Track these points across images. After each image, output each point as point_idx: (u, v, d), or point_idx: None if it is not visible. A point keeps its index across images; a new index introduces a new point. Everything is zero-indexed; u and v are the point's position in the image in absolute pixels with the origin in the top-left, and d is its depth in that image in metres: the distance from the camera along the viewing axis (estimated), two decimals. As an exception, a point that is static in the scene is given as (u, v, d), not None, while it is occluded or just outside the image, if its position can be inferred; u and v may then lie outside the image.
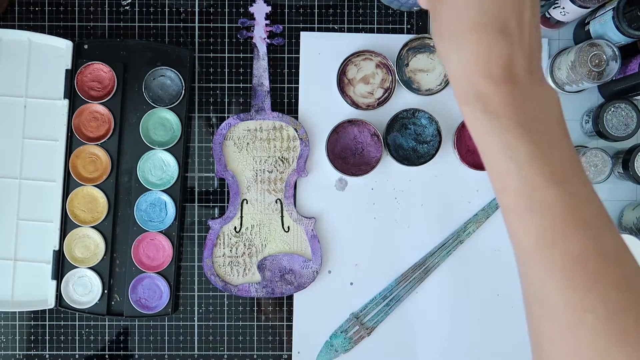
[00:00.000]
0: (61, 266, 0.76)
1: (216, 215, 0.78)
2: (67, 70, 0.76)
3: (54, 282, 0.76)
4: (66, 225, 0.76)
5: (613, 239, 0.41)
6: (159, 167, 0.77)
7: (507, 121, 0.40)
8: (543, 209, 0.40)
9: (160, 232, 0.76)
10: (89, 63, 0.76)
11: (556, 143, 0.41)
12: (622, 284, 0.39)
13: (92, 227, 0.76)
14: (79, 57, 0.76)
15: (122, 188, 0.77)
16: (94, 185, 0.76)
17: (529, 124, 0.41)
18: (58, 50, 0.76)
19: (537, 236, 0.41)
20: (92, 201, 0.77)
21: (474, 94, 0.41)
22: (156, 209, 0.77)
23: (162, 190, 0.76)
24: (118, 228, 0.77)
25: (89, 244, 0.77)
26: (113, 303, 0.77)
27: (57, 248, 0.76)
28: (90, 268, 0.76)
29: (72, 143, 0.76)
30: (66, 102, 0.76)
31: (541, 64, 0.43)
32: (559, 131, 0.42)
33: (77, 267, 0.76)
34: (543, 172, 0.40)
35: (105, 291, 0.76)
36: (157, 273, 0.76)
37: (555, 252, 0.40)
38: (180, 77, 0.76)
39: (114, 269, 0.77)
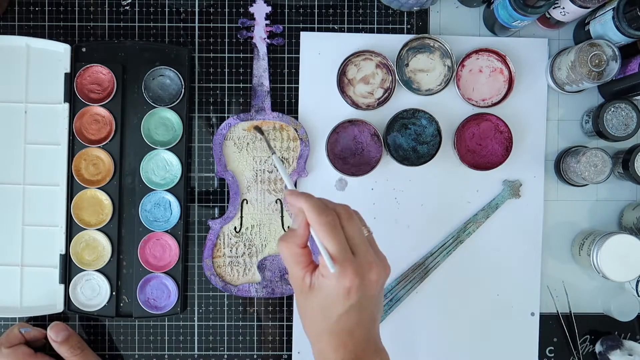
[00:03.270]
0: (68, 270, 0.76)
1: (216, 215, 0.78)
2: (66, 73, 0.76)
3: (62, 286, 0.76)
4: (72, 228, 0.77)
5: None
6: (162, 166, 0.77)
7: None
8: None
9: (166, 231, 0.77)
10: (88, 66, 0.76)
11: None
12: None
13: (98, 229, 0.76)
14: (78, 60, 0.76)
15: (126, 189, 0.77)
16: (97, 188, 0.76)
17: None
18: (56, 54, 0.76)
19: None
20: (97, 204, 0.77)
21: None
22: (161, 208, 0.77)
23: (166, 190, 0.76)
24: (123, 229, 0.77)
25: (95, 247, 0.77)
26: (122, 305, 0.77)
27: (63, 252, 0.76)
28: (98, 270, 0.76)
29: (74, 146, 0.76)
30: (66, 105, 0.76)
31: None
32: None
33: (84, 270, 0.76)
34: None
35: (114, 293, 0.77)
36: (165, 273, 0.77)
37: None
38: (180, 76, 0.76)
39: (121, 271, 0.77)
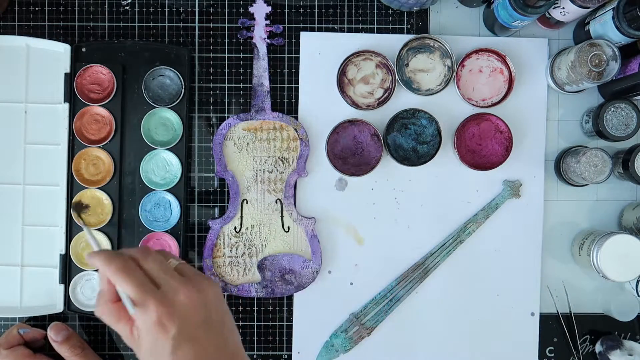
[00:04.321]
0: (68, 270, 0.76)
1: (216, 216, 0.78)
2: (66, 74, 0.76)
3: (62, 286, 0.76)
4: (72, 228, 0.76)
5: None
6: (162, 166, 0.77)
7: None
8: None
9: (166, 231, 0.77)
10: (88, 66, 0.76)
11: None
12: None
13: (98, 229, 0.76)
14: (78, 60, 0.76)
15: (126, 189, 0.77)
16: (97, 188, 0.76)
17: None
18: (56, 54, 0.76)
19: None
20: (97, 204, 0.77)
21: None
22: (161, 208, 0.77)
23: (166, 190, 0.76)
24: (124, 229, 0.77)
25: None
26: (123, 305, 0.77)
27: (63, 252, 0.76)
28: (98, 271, 0.76)
29: (74, 146, 0.76)
30: (66, 105, 0.76)
31: None
32: None
33: (84, 270, 0.76)
34: None
35: (114, 293, 0.77)
36: None
37: None
38: (180, 75, 0.76)
39: (120, 271, 0.77)
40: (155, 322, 0.49)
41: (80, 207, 0.66)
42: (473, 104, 0.77)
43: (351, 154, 0.77)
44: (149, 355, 0.50)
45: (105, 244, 0.76)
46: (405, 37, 0.77)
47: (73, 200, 0.71)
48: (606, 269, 0.71)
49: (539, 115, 0.78)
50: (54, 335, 0.74)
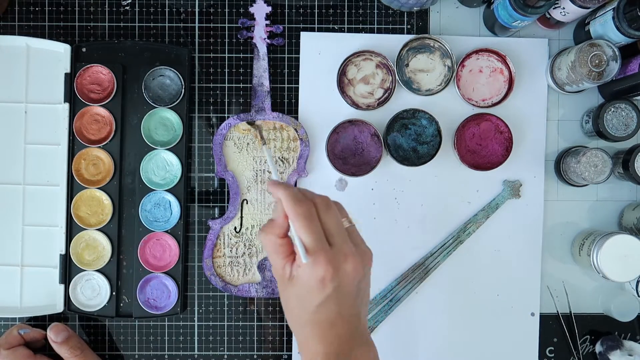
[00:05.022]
0: (68, 270, 0.76)
1: (216, 216, 0.78)
2: (66, 74, 0.76)
3: (62, 286, 0.76)
4: (72, 228, 0.76)
5: None
6: (162, 167, 0.77)
7: None
8: None
9: (166, 231, 0.77)
10: (88, 66, 0.76)
11: None
12: None
13: (98, 229, 0.76)
14: (78, 60, 0.76)
15: (126, 189, 0.77)
16: (97, 188, 0.76)
17: None
18: (56, 54, 0.76)
19: None
20: (97, 204, 0.77)
21: None
22: (161, 208, 0.77)
23: (166, 190, 0.76)
24: (123, 229, 0.77)
25: (95, 247, 0.77)
26: (122, 305, 0.77)
27: (63, 252, 0.76)
28: (98, 270, 0.76)
29: (74, 146, 0.76)
30: (66, 105, 0.76)
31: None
32: None
33: (84, 270, 0.76)
34: None
35: (114, 293, 0.77)
36: (165, 273, 0.77)
37: None
38: (180, 76, 0.76)
39: (121, 271, 0.77)
40: (319, 278, 0.52)
41: (254, 124, 0.67)
42: (473, 104, 0.77)
43: (351, 154, 0.77)
44: (295, 296, 0.54)
45: (105, 244, 0.76)
46: (405, 37, 0.77)
47: (247, 121, 0.71)
48: (606, 269, 0.71)
49: (539, 116, 0.78)
50: (53, 336, 0.74)
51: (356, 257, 0.54)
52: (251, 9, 0.77)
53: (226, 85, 0.78)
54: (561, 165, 0.77)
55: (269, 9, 0.77)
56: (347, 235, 0.55)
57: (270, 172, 0.72)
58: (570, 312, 0.79)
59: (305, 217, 0.53)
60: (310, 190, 0.56)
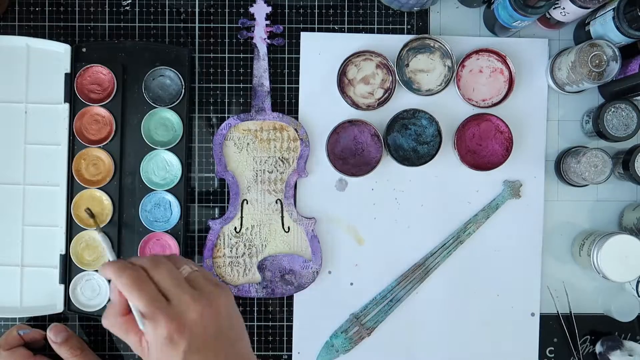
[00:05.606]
0: (68, 270, 0.76)
1: (216, 216, 0.78)
2: (66, 74, 0.76)
3: (62, 286, 0.76)
4: (72, 228, 0.76)
5: None
6: (162, 167, 0.77)
7: None
8: None
9: (166, 232, 0.76)
10: (88, 66, 0.76)
11: None
12: None
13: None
14: (78, 61, 0.76)
15: (126, 190, 0.77)
16: (97, 188, 0.76)
17: None
18: (56, 54, 0.76)
19: None
20: (97, 204, 0.77)
21: None
22: (161, 209, 0.77)
23: (166, 190, 0.76)
24: (124, 230, 0.77)
25: (95, 247, 0.77)
26: (122, 305, 0.77)
27: (63, 252, 0.76)
28: (98, 271, 0.76)
29: (74, 147, 0.76)
30: (67, 105, 0.76)
31: None
32: None
33: (84, 270, 0.76)
34: None
35: (114, 293, 0.77)
36: None
37: None
38: (180, 76, 0.76)
39: (121, 271, 0.77)
40: (165, 337, 0.50)
41: (92, 214, 0.67)
42: (473, 104, 0.77)
43: (351, 154, 0.77)
44: None
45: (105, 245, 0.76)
46: (405, 38, 0.77)
47: (86, 208, 0.71)
48: (606, 270, 0.71)
49: (539, 116, 0.78)
50: (53, 336, 0.74)
51: (199, 301, 0.51)
52: (251, 9, 0.77)
53: (226, 85, 0.78)
54: (561, 166, 0.77)
55: (269, 9, 0.77)
56: (187, 284, 0.52)
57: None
58: (571, 312, 0.79)
59: (134, 283, 0.51)
60: (138, 257, 0.55)
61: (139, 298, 0.50)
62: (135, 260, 0.54)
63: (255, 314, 0.79)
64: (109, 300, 0.54)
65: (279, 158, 0.77)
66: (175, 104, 0.76)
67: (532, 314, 0.78)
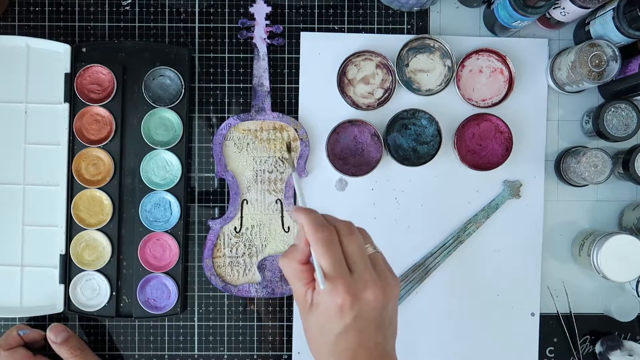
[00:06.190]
0: (68, 270, 0.76)
1: (216, 216, 0.78)
2: (66, 74, 0.76)
3: (62, 286, 0.76)
4: (72, 228, 0.76)
5: None
6: (162, 167, 0.77)
7: None
8: None
9: (166, 231, 0.76)
10: (88, 66, 0.76)
11: None
12: None
13: (98, 229, 0.76)
14: (78, 61, 0.76)
15: (126, 189, 0.77)
16: (97, 188, 0.76)
17: None
18: (56, 54, 0.76)
19: None
20: (97, 204, 0.77)
21: None
22: (161, 208, 0.77)
23: (166, 190, 0.76)
24: (123, 229, 0.77)
25: (95, 247, 0.77)
26: (122, 305, 0.77)
27: (63, 252, 0.76)
28: (98, 271, 0.76)
29: (74, 147, 0.76)
30: (66, 105, 0.76)
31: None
32: None
33: (84, 270, 0.76)
34: None
35: (114, 293, 0.77)
36: (165, 273, 0.77)
37: None
38: (180, 76, 0.76)
39: (121, 271, 0.77)
40: (337, 304, 0.51)
41: (289, 148, 0.68)
42: (473, 104, 0.77)
43: (351, 154, 0.77)
44: (316, 325, 0.52)
45: (106, 244, 0.76)
46: (405, 38, 0.77)
47: (286, 142, 0.71)
48: (606, 270, 0.71)
49: (539, 116, 0.78)
50: (53, 336, 0.74)
51: (377, 284, 0.52)
52: (251, 9, 0.77)
53: (226, 85, 0.78)
54: (561, 166, 0.77)
55: (269, 9, 0.77)
56: (370, 262, 0.53)
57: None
58: (571, 312, 0.79)
59: (325, 242, 0.51)
60: (334, 216, 0.55)
61: (326, 260, 0.51)
62: (329, 218, 0.55)
63: (255, 314, 0.79)
64: (293, 244, 0.55)
65: (278, 158, 0.77)
66: (175, 104, 0.76)
67: (532, 314, 0.78)
